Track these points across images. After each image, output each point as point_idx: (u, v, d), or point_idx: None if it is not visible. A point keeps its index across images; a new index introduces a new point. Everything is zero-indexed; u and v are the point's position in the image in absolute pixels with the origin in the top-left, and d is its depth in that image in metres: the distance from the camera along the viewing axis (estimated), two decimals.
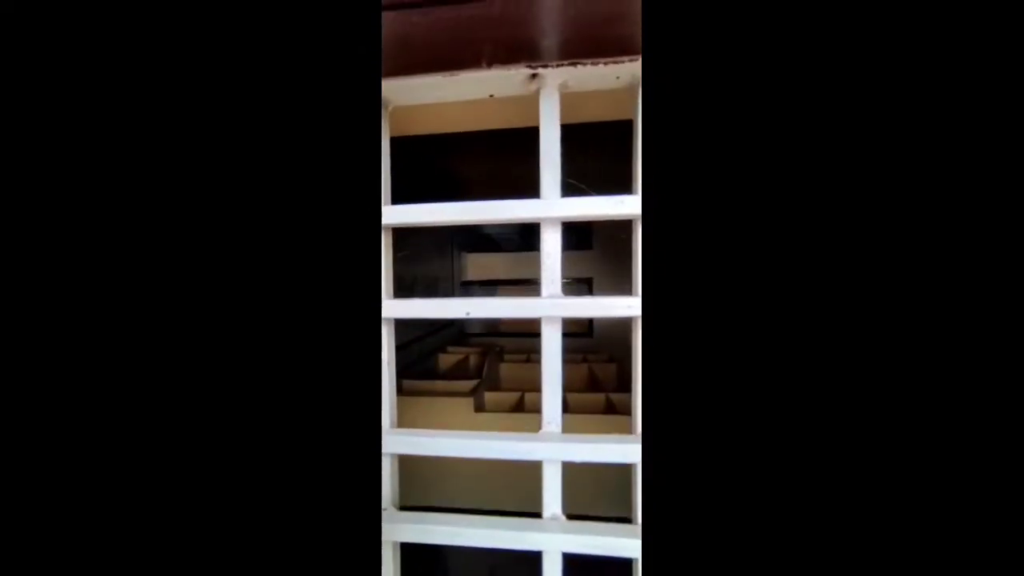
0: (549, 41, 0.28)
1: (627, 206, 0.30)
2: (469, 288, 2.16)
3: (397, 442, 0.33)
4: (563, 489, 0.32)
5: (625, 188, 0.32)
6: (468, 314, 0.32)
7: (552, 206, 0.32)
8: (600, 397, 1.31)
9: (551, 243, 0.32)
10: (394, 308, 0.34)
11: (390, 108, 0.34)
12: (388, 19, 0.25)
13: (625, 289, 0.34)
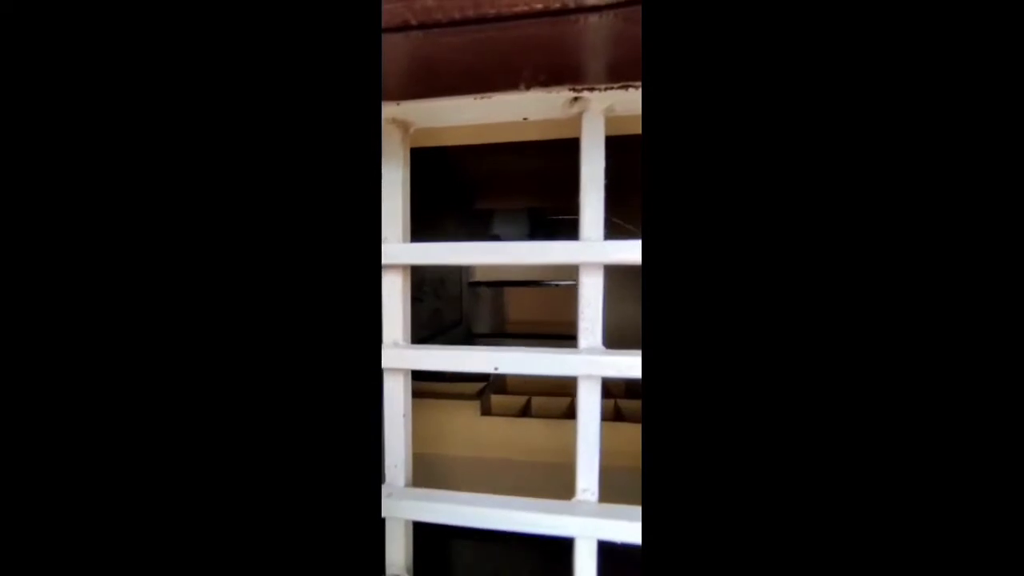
0: (598, 64, 0.24)
1: None
2: (476, 289, 2.13)
3: (411, 507, 0.30)
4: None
5: None
6: (496, 369, 0.29)
7: (594, 249, 0.28)
8: (608, 404, 1.27)
9: (592, 289, 0.29)
10: (409, 358, 0.30)
11: (411, 130, 0.31)
12: (415, 39, 0.21)
13: None
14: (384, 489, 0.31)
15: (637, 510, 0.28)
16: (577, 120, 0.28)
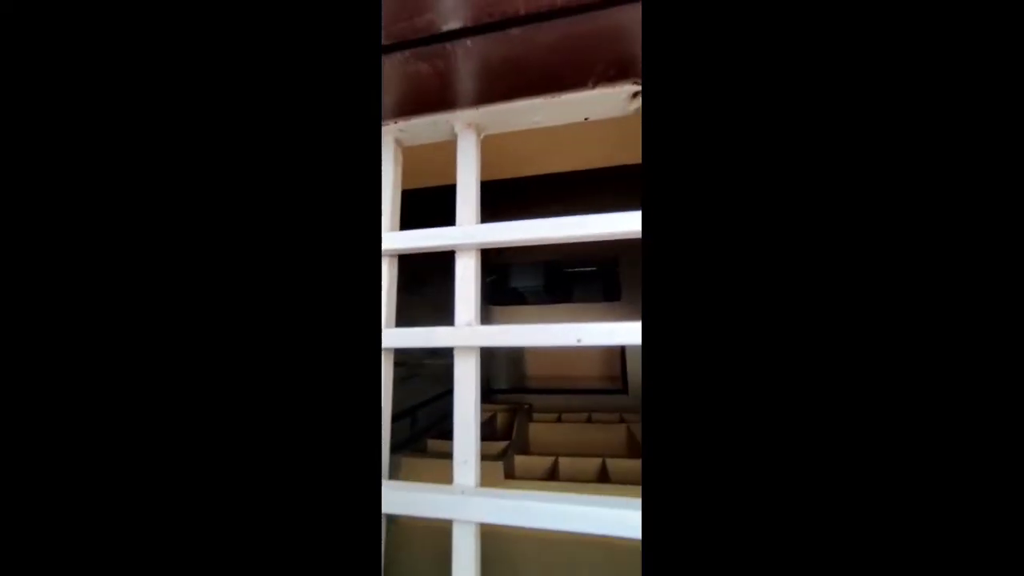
0: None
1: None
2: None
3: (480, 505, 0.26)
4: None
5: None
6: (579, 340, 0.28)
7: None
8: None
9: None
10: (481, 336, 0.29)
11: (483, 135, 0.35)
12: (493, 40, 0.25)
13: None
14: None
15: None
16: (637, 115, 0.31)
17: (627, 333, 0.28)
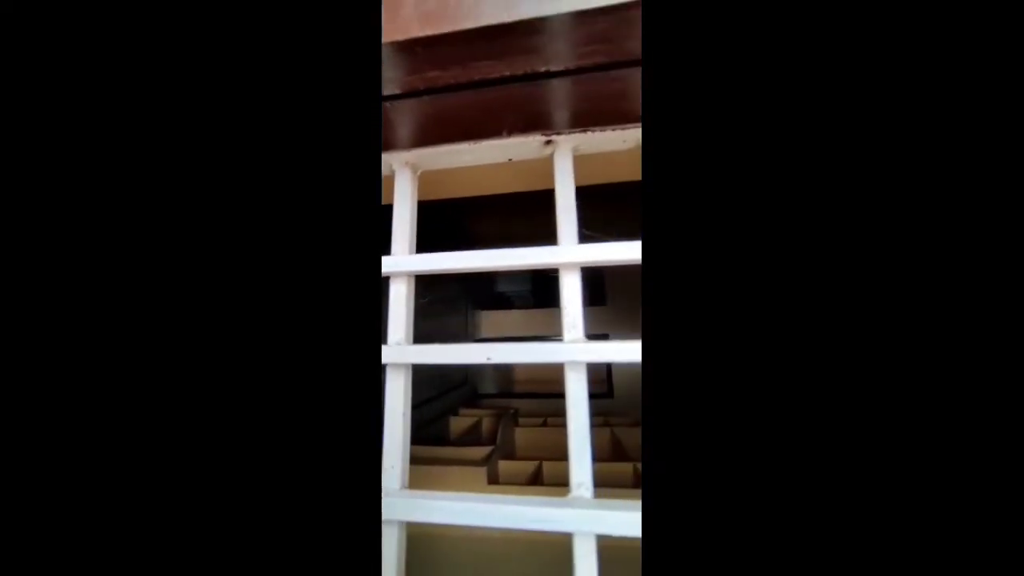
0: (561, 115, 0.32)
1: (638, 251, 0.31)
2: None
3: (407, 506, 0.30)
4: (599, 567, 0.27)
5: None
6: (489, 359, 0.32)
7: (570, 252, 0.33)
8: (627, 468, 1.16)
9: (571, 288, 0.33)
10: (410, 354, 0.33)
11: (419, 172, 0.39)
12: (423, 102, 0.29)
13: None
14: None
15: (636, 504, 0.28)
16: (550, 161, 0.36)
17: (541, 352, 0.32)
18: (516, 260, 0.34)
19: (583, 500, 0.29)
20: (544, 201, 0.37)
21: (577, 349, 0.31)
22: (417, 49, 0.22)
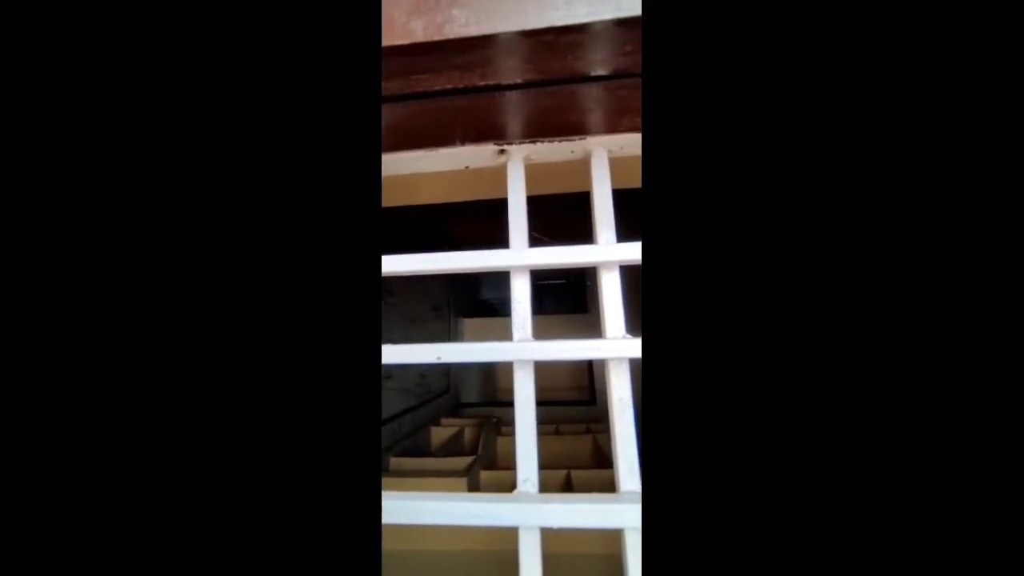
0: (512, 126, 0.34)
1: (586, 255, 0.33)
2: None
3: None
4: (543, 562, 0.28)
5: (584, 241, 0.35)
6: (439, 359, 0.32)
7: (520, 255, 0.34)
8: (608, 474, 1.16)
9: (520, 290, 0.34)
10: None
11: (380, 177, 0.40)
12: (384, 110, 0.31)
13: None
14: None
15: (578, 497, 0.29)
16: (504, 169, 0.37)
17: (490, 352, 0.33)
18: (470, 262, 0.35)
19: (528, 495, 0.30)
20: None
21: (524, 348, 0.32)
22: None
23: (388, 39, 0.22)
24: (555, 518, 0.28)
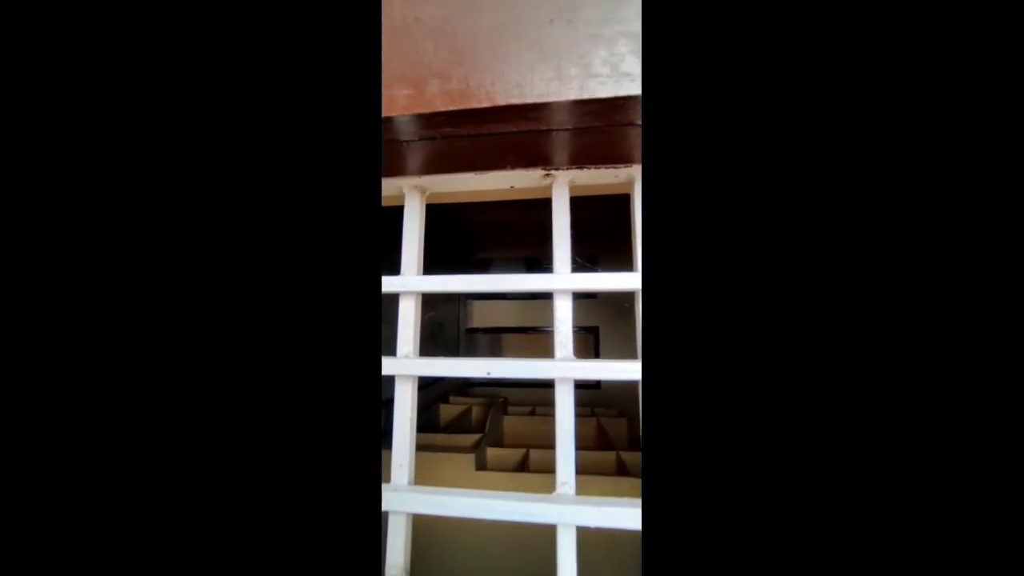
0: (560, 156, 0.36)
1: (627, 282, 0.35)
2: (474, 335, 2.16)
3: (413, 500, 0.35)
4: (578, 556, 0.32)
5: (627, 262, 0.37)
6: (489, 374, 0.36)
7: (564, 280, 0.37)
8: (611, 456, 1.24)
9: (563, 311, 0.37)
10: (417, 367, 0.37)
11: (427, 194, 0.41)
12: (434, 143, 0.32)
13: (630, 345, 0.38)
14: (390, 486, 0.35)
15: (610, 500, 0.33)
16: (550, 188, 0.39)
17: (535, 369, 0.36)
18: (515, 285, 0.37)
19: (567, 497, 0.34)
20: (543, 229, 0.41)
21: (567, 367, 0.35)
22: (439, 119, 0.25)
23: (470, 103, 0.23)
24: (590, 518, 0.33)
